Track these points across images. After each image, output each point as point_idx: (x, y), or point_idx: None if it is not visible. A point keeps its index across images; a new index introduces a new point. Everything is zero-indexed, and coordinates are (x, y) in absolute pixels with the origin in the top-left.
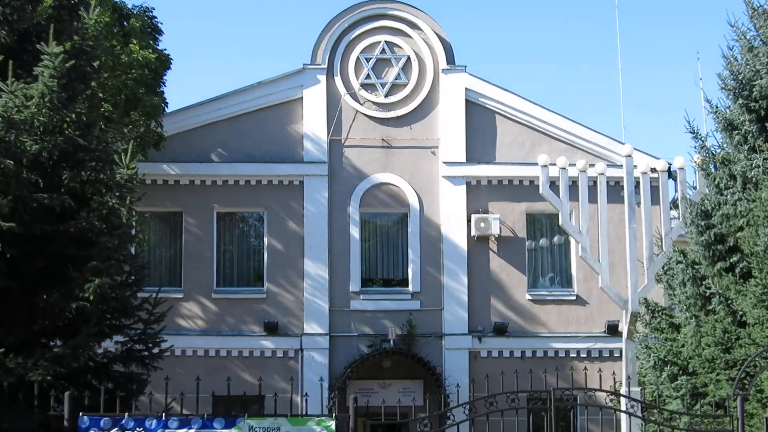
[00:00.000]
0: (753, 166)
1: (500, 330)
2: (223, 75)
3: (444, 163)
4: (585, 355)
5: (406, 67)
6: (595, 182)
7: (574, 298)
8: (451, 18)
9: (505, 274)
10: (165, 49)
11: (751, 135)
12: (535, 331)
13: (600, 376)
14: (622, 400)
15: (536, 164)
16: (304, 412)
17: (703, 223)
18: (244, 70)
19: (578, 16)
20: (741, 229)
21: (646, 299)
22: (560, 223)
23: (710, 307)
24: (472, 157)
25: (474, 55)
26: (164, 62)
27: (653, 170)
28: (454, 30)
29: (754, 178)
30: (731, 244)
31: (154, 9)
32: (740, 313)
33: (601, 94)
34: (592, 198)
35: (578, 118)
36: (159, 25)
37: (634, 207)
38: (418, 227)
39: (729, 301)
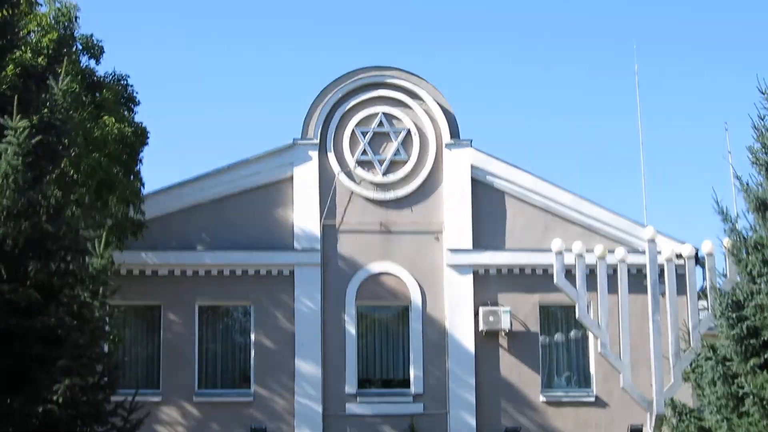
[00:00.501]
0: None
1: None
2: (205, 150)
3: (449, 250)
4: None
5: (406, 141)
6: (615, 270)
7: (593, 399)
8: (454, 86)
9: (516, 373)
10: (141, 122)
11: None
12: None
13: None
14: None
15: (550, 251)
16: None
17: (734, 315)
18: (228, 145)
19: (595, 85)
20: None
21: (672, 400)
22: (577, 317)
23: (743, 409)
24: (479, 244)
25: (480, 127)
26: (141, 136)
27: (679, 256)
28: (457, 99)
29: None
30: (766, 339)
31: (128, 77)
32: None
33: (620, 172)
34: (612, 288)
35: (595, 199)
36: (134, 94)
37: (658, 297)
38: (421, 322)
39: (764, 402)
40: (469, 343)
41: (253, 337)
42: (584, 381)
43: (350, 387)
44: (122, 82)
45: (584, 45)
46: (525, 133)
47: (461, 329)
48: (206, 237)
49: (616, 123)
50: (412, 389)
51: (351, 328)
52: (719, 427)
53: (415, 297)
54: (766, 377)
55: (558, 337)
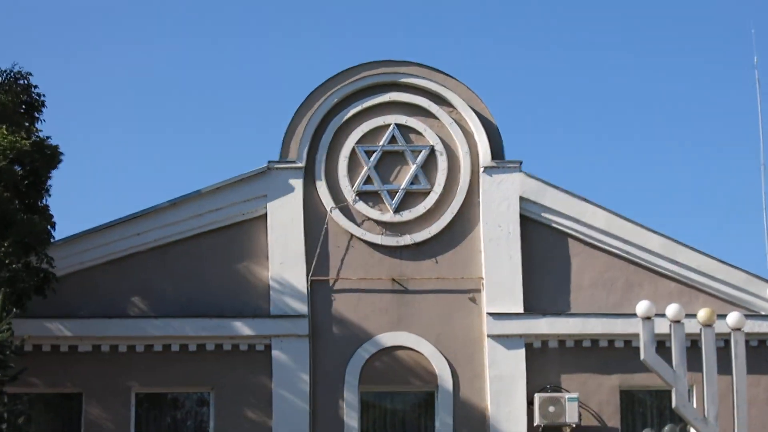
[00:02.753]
0: None
1: None
2: (144, 181)
3: (490, 315)
4: None
5: (429, 164)
6: (726, 342)
7: None
8: (493, 92)
9: None
10: (49, 138)
11: None
12: None
13: None
14: None
15: (634, 315)
16: None
17: None
18: (178, 172)
19: (693, 97)
20: None
21: None
22: (674, 406)
23: None
24: (533, 306)
25: (529, 147)
26: (50, 157)
27: None
28: (498, 109)
29: None
30: None
31: (31, 75)
32: None
33: (729, 209)
34: (724, 366)
35: (697, 244)
36: (40, 98)
37: None
38: (452, 415)
39: None
40: None
41: None
42: None
43: None
44: (20, 82)
45: (678, 46)
46: (590, 156)
47: (510, 424)
48: (145, 299)
49: (723, 144)
50: None
51: (352, 422)
52: None
53: (444, 380)
54: None
55: None
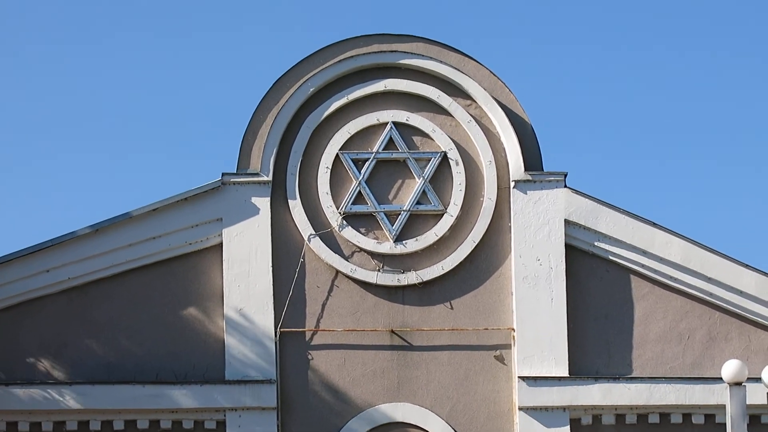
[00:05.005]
0: None
1: None
2: (60, 200)
3: (523, 380)
4: None
5: (440, 177)
6: None
7: None
8: (528, 78)
9: None
10: None
11: None
12: None
13: None
14: None
15: (719, 380)
16: None
17: None
18: (101, 191)
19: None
20: None
21: None
22: None
23: None
24: (581, 367)
25: (577, 155)
26: None
27: None
28: (534, 100)
29: None
30: None
31: None
32: None
33: None
34: None
35: None
36: None
37: None
38: None
39: None
40: None
41: None
42: None
43: None
44: None
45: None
46: (656, 173)
47: None
48: (56, 359)
49: None
50: None
51: None
52: None
53: None
54: None
55: None
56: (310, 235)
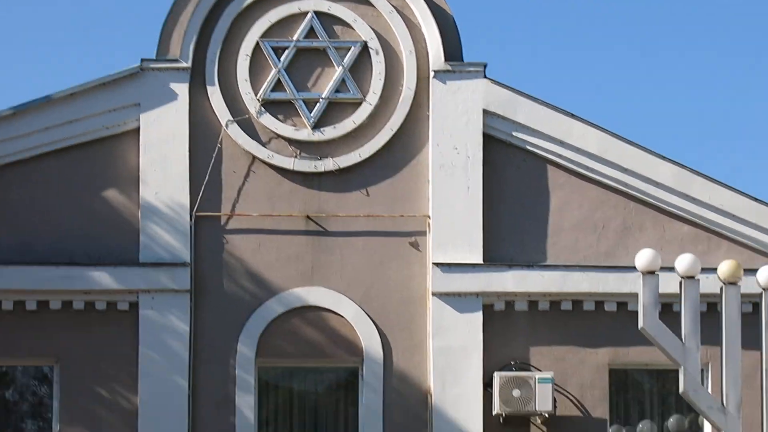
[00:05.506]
0: None
1: None
2: None
3: (437, 266)
4: None
5: (360, 66)
6: (755, 306)
7: None
8: None
9: None
10: None
11: None
12: None
13: None
14: None
15: (632, 269)
16: None
17: None
18: (20, 75)
19: None
20: None
21: None
22: (681, 390)
23: None
24: (496, 254)
25: (497, 46)
26: None
27: None
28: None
29: None
30: None
31: None
32: None
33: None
34: (750, 338)
35: (719, 176)
36: None
37: None
38: (380, 397)
39: None
40: None
41: (57, 427)
42: None
43: None
44: None
45: None
46: (576, 62)
47: (459, 412)
48: None
49: (759, 47)
50: None
51: (247, 410)
52: None
53: (372, 353)
54: None
55: (645, 428)
56: (228, 120)
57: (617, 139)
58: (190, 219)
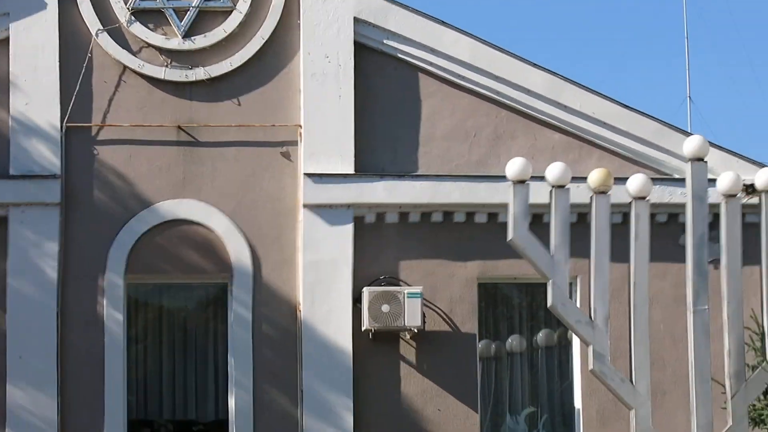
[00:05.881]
0: None
1: None
2: None
3: (308, 176)
4: None
5: None
6: (625, 216)
7: None
8: None
9: (433, 407)
10: None
11: None
12: None
13: None
14: None
15: (503, 178)
16: None
17: None
18: None
19: None
20: None
21: None
22: (550, 304)
23: None
24: (368, 164)
25: None
26: None
27: (749, 190)
28: None
29: None
30: None
31: None
32: None
33: (636, 34)
34: (620, 250)
35: (592, 84)
36: None
37: (706, 268)
38: (250, 313)
39: None
40: (342, 352)
41: None
42: (563, 425)
43: None
44: None
45: None
46: None
47: (328, 328)
48: None
49: None
50: None
51: (115, 326)
52: None
53: (241, 268)
54: None
55: (513, 341)
56: (98, 30)
57: (489, 47)
58: (61, 130)
